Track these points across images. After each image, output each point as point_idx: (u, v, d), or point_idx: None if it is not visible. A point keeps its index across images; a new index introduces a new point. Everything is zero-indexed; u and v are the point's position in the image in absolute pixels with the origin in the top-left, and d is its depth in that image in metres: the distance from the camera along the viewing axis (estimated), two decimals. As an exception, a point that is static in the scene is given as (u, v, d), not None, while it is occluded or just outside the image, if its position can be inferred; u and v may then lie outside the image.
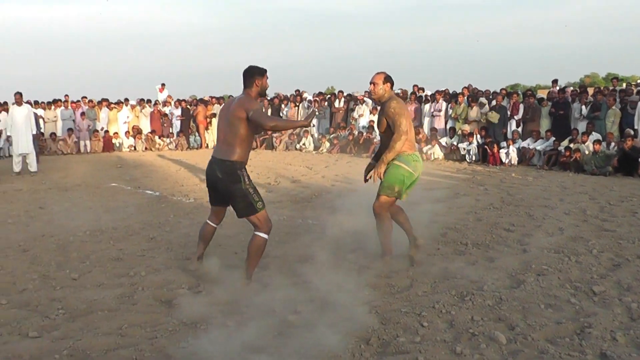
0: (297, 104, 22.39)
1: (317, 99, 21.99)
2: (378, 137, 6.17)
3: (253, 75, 5.14)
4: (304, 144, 20.49)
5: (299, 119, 21.93)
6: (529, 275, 5.41)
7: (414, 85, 20.20)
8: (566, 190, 10.73)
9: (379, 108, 6.00)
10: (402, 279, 5.41)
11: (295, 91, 23.45)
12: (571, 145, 14.25)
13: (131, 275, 5.70)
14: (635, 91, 15.64)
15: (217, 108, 22.41)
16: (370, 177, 6.03)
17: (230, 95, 24.41)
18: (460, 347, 3.88)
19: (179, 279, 5.49)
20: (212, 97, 24.29)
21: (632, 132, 13.92)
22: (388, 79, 5.78)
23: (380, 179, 5.72)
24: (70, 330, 4.34)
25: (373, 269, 5.74)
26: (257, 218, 5.14)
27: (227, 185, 5.11)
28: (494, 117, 16.45)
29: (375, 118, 17.70)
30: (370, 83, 5.81)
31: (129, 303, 4.93)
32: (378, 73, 5.80)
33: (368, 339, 4.05)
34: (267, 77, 5.19)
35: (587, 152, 13.74)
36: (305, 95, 23.18)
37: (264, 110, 5.16)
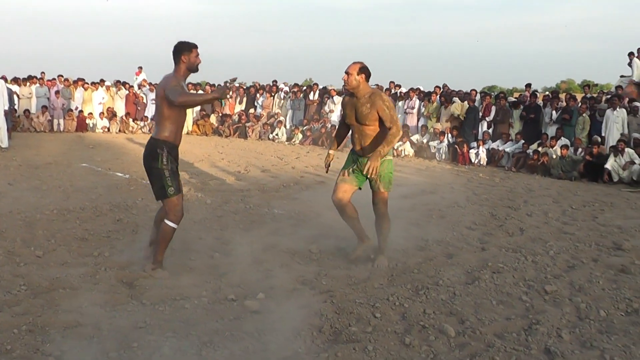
0: (273, 94, 22.42)
1: (294, 90, 21.99)
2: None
3: (180, 51, 4.96)
4: (276, 135, 20.47)
5: (273, 109, 21.96)
6: (484, 272, 5.53)
7: (391, 82, 20.22)
8: (531, 193, 10.92)
9: (354, 99, 5.60)
10: (361, 271, 5.49)
11: (272, 81, 23.46)
12: (540, 149, 14.49)
13: (95, 255, 5.72)
14: (604, 99, 15.89)
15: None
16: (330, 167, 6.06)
17: (208, 83, 24.40)
18: (409, 339, 3.98)
19: (142, 261, 5.49)
20: (189, 84, 24.04)
21: (599, 140, 14.19)
22: (363, 70, 5.45)
23: (374, 175, 5.39)
24: (32, 306, 4.36)
25: (334, 260, 5.85)
26: (167, 203, 5.11)
27: (147, 163, 5.09)
28: (459, 108, 16.91)
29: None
30: (345, 72, 5.46)
31: (91, 282, 4.95)
32: (354, 63, 5.47)
33: (321, 327, 4.14)
34: (198, 54, 5.00)
35: (554, 157, 13.98)
36: (281, 86, 23.18)
37: (186, 89, 5.08)
